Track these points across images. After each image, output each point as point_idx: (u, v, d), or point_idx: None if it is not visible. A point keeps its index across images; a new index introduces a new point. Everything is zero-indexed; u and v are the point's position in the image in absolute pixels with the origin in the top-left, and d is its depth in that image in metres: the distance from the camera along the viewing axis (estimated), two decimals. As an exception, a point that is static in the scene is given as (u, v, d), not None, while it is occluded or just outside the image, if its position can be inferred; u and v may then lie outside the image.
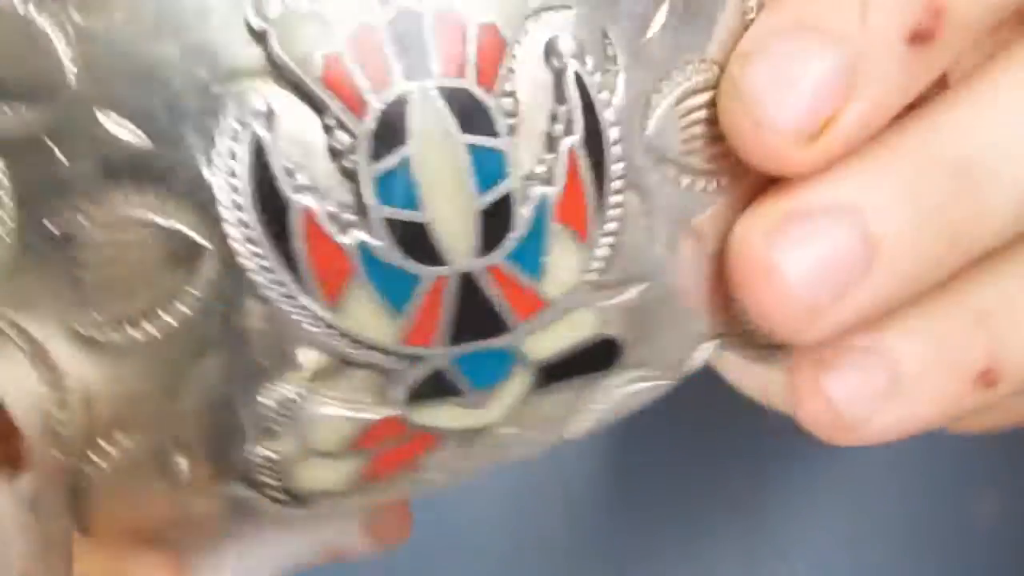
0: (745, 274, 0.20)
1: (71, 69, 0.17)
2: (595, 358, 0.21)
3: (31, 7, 0.17)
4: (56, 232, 0.18)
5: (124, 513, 0.20)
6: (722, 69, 0.21)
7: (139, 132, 0.17)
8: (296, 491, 0.19)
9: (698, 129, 0.21)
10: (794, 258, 0.19)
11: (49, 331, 0.18)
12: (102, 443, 0.19)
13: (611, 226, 0.20)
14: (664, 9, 0.20)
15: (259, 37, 0.17)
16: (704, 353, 0.22)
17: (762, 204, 0.20)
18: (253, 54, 0.17)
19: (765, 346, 0.23)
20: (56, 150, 0.17)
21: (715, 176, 0.21)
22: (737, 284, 0.20)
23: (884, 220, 0.19)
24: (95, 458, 0.19)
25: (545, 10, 0.19)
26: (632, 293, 0.20)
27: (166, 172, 0.17)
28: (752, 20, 0.21)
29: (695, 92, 0.21)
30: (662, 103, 0.20)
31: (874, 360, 0.20)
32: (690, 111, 0.21)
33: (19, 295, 0.18)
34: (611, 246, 0.20)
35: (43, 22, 0.17)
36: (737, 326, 0.22)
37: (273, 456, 0.19)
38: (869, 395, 0.20)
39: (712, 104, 0.21)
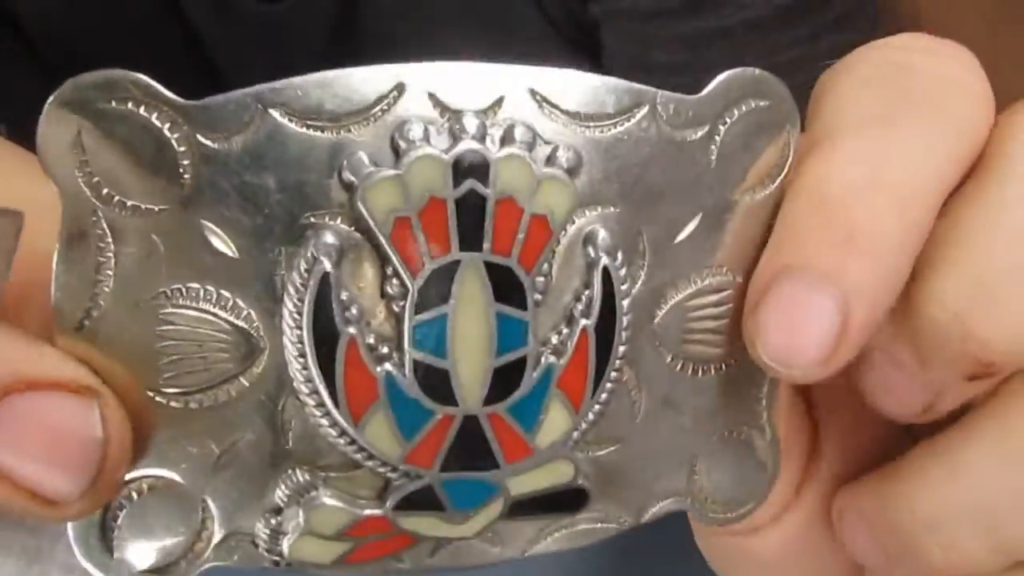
0: None
1: (186, 179, 0.20)
2: (565, 501, 0.24)
3: (166, 129, 0.20)
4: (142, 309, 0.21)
5: None
6: (734, 275, 0.24)
7: (229, 243, 0.20)
8: (287, 558, 0.23)
9: (699, 324, 0.24)
10: None
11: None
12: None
13: (603, 397, 0.23)
14: (696, 220, 0.23)
15: (347, 187, 0.20)
16: (664, 507, 0.25)
17: None
18: (338, 198, 0.20)
19: (720, 514, 0.26)
20: (160, 244, 0.20)
21: (706, 362, 0.25)
22: None
23: None
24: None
25: (592, 205, 0.22)
26: (608, 451, 0.24)
27: (244, 281, 0.21)
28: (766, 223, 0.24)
29: (706, 293, 0.24)
30: (675, 298, 0.24)
31: None
32: (697, 308, 0.24)
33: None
34: (599, 413, 0.23)
35: (175, 141, 0.20)
36: (698, 491, 0.25)
37: (274, 526, 0.22)
38: None
39: (717, 304, 0.24)
